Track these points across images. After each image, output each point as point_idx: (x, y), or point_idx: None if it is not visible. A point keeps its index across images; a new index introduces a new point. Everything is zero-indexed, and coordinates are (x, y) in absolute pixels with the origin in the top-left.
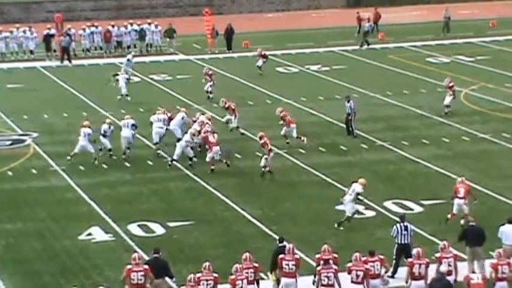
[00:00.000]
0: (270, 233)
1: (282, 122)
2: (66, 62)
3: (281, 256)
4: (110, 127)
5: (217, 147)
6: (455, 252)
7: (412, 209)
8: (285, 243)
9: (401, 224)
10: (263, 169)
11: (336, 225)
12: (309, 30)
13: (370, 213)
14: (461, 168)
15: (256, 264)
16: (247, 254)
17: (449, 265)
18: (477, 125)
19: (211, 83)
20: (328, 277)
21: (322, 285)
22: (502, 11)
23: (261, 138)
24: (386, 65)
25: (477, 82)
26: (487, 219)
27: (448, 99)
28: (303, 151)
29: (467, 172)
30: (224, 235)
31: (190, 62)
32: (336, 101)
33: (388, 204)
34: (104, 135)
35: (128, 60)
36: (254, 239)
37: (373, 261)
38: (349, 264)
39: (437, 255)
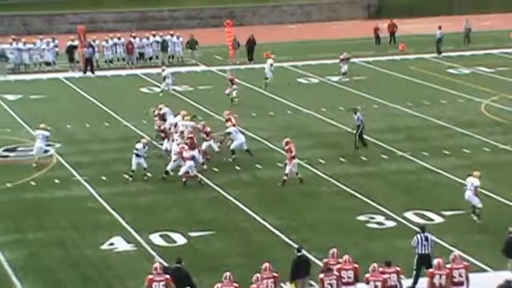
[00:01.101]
0: (290, 242)
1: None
2: (89, 73)
3: (325, 260)
4: (144, 147)
5: (191, 162)
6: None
7: (432, 220)
8: (303, 252)
9: (422, 235)
10: (285, 177)
11: (476, 218)
12: (329, 41)
13: (390, 224)
14: (482, 178)
15: (275, 274)
16: (267, 264)
17: (460, 276)
18: (498, 135)
19: (234, 86)
20: (331, 284)
21: None
22: None
23: (286, 144)
24: (407, 76)
25: (497, 93)
26: (507, 229)
27: None
28: (323, 161)
29: (488, 183)
30: (244, 244)
31: (211, 73)
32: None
33: (409, 214)
34: (137, 155)
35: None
36: (274, 248)
37: (389, 272)
38: (367, 275)
39: (448, 266)
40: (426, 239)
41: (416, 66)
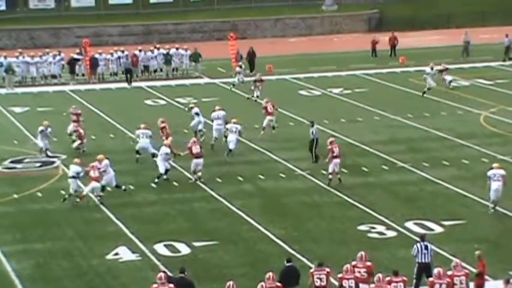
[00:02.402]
0: (293, 252)
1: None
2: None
3: (353, 263)
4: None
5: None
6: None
7: (432, 229)
8: (292, 263)
9: (422, 243)
10: (330, 176)
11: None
12: (331, 54)
13: (391, 234)
14: (481, 189)
15: (278, 284)
16: (271, 274)
17: (461, 283)
18: (496, 147)
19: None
20: (320, 279)
21: (316, 286)
22: None
23: (330, 143)
24: (407, 88)
25: (496, 105)
26: (507, 239)
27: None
28: (325, 172)
29: (486, 193)
30: (248, 255)
31: (215, 85)
32: (358, 123)
33: (409, 224)
34: (166, 159)
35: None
36: (277, 258)
37: (396, 282)
38: (372, 285)
39: (449, 273)
40: (426, 247)
41: (416, 78)
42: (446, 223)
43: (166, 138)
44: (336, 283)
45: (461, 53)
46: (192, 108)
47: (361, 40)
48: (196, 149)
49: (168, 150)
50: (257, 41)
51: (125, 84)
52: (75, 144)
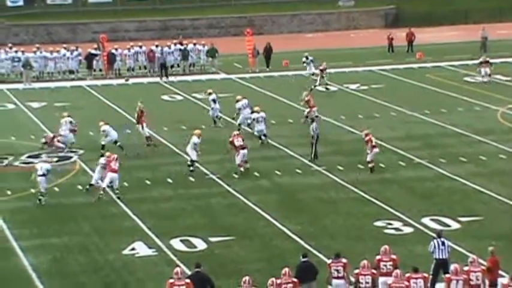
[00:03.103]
0: (309, 248)
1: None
2: (164, 79)
3: (378, 257)
4: (199, 137)
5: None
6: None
7: (449, 226)
8: (308, 258)
9: (439, 240)
10: (369, 164)
11: None
12: (347, 50)
13: (408, 230)
14: (498, 185)
15: (294, 280)
16: (287, 269)
17: (477, 279)
18: None
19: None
20: (337, 270)
21: (333, 277)
22: None
23: (366, 135)
24: (424, 84)
25: None
26: None
27: None
28: (341, 168)
29: (503, 189)
30: (264, 250)
31: (231, 81)
32: (375, 119)
33: (426, 220)
34: (195, 149)
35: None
36: (293, 254)
37: (416, 278)
38: (389, 282)
39: (466, 268)
40: (443, 244)
41: (433, 74)
42: (463, 219)
43: (141, 123)
44: (353, 279)
45: (479, 48)
46: (210, 94)
47: (378, 36)
48: (238, 142)
49: (198, 140)
50: (273, 36)
51: (142, 80)
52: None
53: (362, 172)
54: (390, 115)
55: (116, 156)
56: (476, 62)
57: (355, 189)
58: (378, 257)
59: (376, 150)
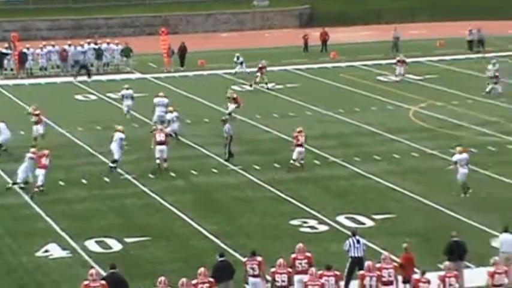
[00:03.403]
0: (225, 247)
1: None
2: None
3: (293, 256)
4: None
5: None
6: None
7: (363, 223)
8: (225, 258)
9: (354, 238)
10: (294, 162)
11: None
12: (262, 49)
13: (323, 228)
14: (411, 183)
15: (211, 279)
16: (202, 269)
17: (389, 275)
18: (426, 141)
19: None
20: (252, 268)
21: (249, 275)
22: (449, 31)
23: (299, 132)
24: (338, 83)
25: (425, 100)
26: (437, 233)
27: None
28: (258, 167)
29: (416, 187)
30: (180, 250)
31: (146, 81)
32: (290, 118)
33: (341, 218)
34: (121, 145)
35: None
36: (210, 253)
37: (328, 276)
38: (305, 280)
39: (378, 265)
40: (358, 242)
41: (347, 73)
42: (377, 217)
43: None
44: (269, 277)
45: (391, 48)
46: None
47: (292, 35)
48: (159, 137)
49: (123, 136)
50: (189, 36)
51: (55, 79)
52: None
53: (278, 171)
54: (305, 114)
55: (47, 152)
56: (393, 61)
57: (272, 189)
58: (293, 255)
59: (299, 149)
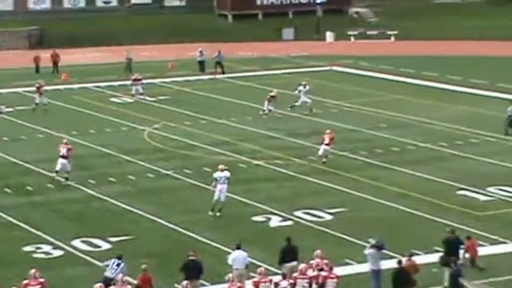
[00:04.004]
0: None
1: None
2: None
3: (25, 282)
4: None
5: None
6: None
7: (100, 246)
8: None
9: (116, 260)
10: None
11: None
12: None
13: (58, 253)
14: (146, 204)
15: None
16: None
17: None
18: (161, 162)
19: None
20: None
21: None
22: (178, 53)
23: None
24: (71, 105)
25: (159, 121)
26: (174, 253)
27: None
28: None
29: (151, 208)
30: None
31: None
32: (21, 142)
33: (76, 242)
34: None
35: None
36: None
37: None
38: None
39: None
40: (118, 265)
41: (79, 95)
42: (113, 239)
43: None
44: None
45: (124, 69)
46: None
47: (23, 57)
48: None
49: None
50: None
51: None
52: None
53: (8, 196)
54: (37, 137)
55: None
56: (127, 82)
57: (2, 214)
58: (25, 282)
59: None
